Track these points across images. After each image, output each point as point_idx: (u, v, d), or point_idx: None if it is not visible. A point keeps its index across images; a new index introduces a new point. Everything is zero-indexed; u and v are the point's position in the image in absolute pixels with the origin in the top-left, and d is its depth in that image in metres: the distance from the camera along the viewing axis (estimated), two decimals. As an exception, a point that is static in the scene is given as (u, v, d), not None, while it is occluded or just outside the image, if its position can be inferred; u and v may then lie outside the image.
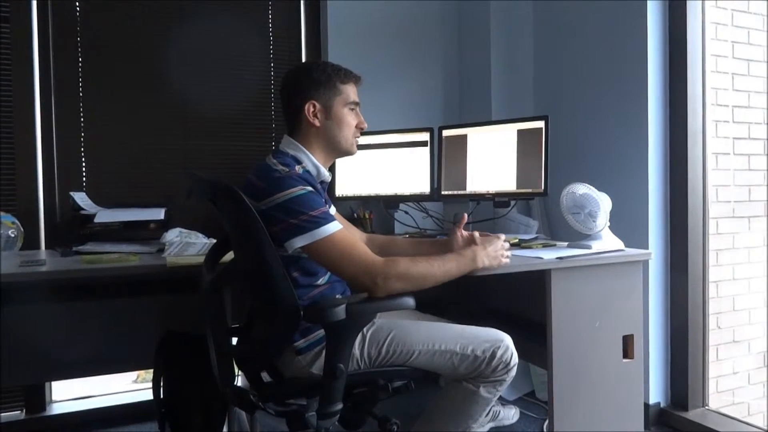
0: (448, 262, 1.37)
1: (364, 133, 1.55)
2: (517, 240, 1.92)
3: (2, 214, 1.87)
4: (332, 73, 1.44)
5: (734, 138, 2.39)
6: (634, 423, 1.76)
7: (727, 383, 2.38)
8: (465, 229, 1.55)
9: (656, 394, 2.15)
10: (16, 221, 1.89)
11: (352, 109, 1.47)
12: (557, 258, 1.59)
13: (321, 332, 1.34)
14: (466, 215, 1.55)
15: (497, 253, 1.46)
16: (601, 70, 2.28)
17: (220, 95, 2.44)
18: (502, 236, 1.52)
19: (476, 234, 1.51)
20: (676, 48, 2.08)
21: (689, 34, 2.05)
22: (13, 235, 1.85)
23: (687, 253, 2.07)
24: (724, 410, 2.15)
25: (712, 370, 2.22)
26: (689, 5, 2.05)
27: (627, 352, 1.71)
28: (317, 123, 1.43)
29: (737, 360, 2.42)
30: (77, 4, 2.24)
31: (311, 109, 1.42)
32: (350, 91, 1.46)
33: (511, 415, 2.16)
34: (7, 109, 2.14)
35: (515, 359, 1.45)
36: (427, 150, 2.25)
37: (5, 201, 2.11)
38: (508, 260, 1.49)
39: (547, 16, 2.56)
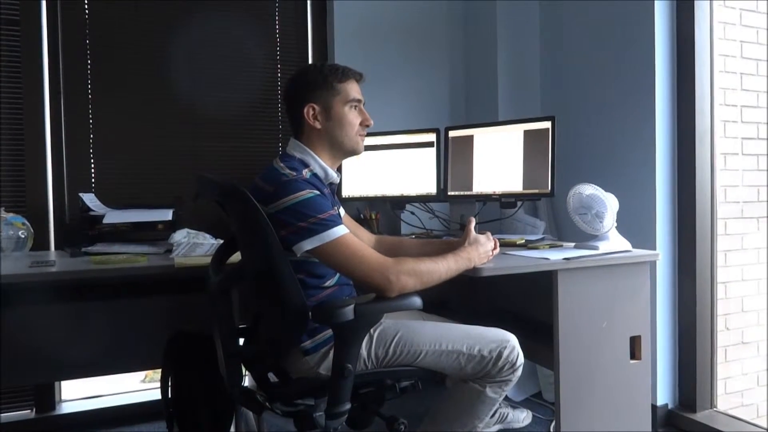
0: (448, 260, 1.38)
1: (370, 134, 1.55)
2: (523, 241, 1.92)
3: (12, 215, 1.88)
4: (329, 74, 1.44)
5: (743, 138, 2.37)
6: (642, 424, 1.75)
7: (736, 385, 2.36)
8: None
9: (664, 396, 2.14)
10: (26, 222, 1.91)
11: (355, 107, 1.47)
12: (564, 259, 1.59)
13: (328, 333, 1.34)
14: (473, 218, 1.55)
15: (487, 253, 1.49)
16: (608, 70, 2.27)
17: (228, 96, 2.45)
18: (490, 235, 1.54)
19: (488, 233, 1.53)
20: (684, 48, 2.07)
21: (697, 33, 2.04)
22: (23, 236, 1.87)
23: (695, 254, 2.06)
24: (732, 412, 2.14)
25: (721, 371, 2.21)
26: (697, 5, 2.03)
27: (634, 353, 1.71)
28: (318, 125, 1.43)
29: (746, 361, 2.41)
30: (86, 6, 2.25)
31: (311, 112, 1.43)
32: (350, 89, 1.45)
33: (521, 418, 2.15)
34: (16, 110, 2.16)
35: (521, 359, 1.46)
36: (433, 151, 2.25)
37: (15, 202, 2.13)
38: (491, 262, 1.51)
39: (554, 17, 2.55)
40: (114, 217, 1.91)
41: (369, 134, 1.55)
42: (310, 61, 2.60)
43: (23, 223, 1.89)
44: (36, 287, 1.71)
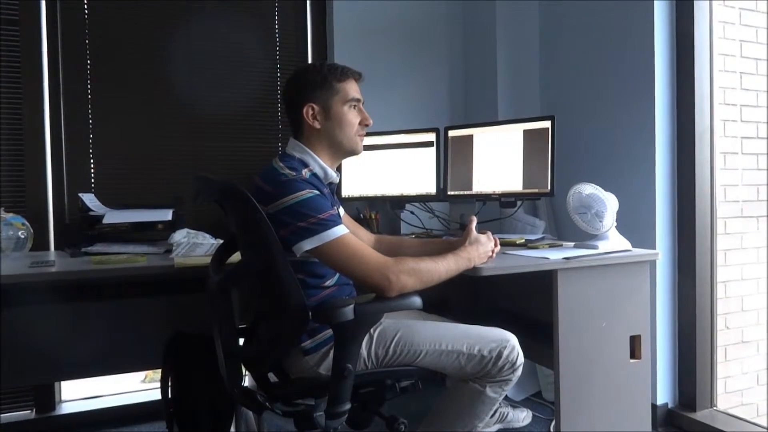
0: (448, 260, 1.38)
1: (370, 134, 1.55)
2: (523, 240, 1.92)
3: (12, 215, 1.88)
4: (328, 73, 1.43)
5: (742, 137, 2.38)
6: (642, 423, 1.76)
7: (736, 384, 2.37)
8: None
9: (664, 395, 2.14)
10: (26, 222, 1.91)
11: (354, 107, 1.47)
12: (564, 258, 1.59)
13: (328, 333, 1.34)
14: (474, 217, 1.55)
15: (487, 253, 1.48)
16: (608, 70, 2.27)
17: (228, 97, 2.45)
18: (490, 234, 1.53)
19: (489, 233, 1.53)
20: (684, 47, 2.07)
21: (696, 33, 2.04)
22: (23, 237, 1.87)
23: (694, 253, 2.06)
24: (732, 411, 2.14)
25: (721, 370, 2.21)
26: (697, 4, 2.03)
27: (634, 352, 1.71)
28: (317, 125, 1.43)
29: (746, 361, 2.41)
30: (85, 6, 2.25)
31: (310, 112, 1.43)
32: (349, 89, 1.45)
33: (521, 417, 2.15)
34: (16, 111, 2.16)
35: (521, 359, 1.46)
36: (433, 150, 2.26)
37: (15, 203, 2.13)
38: (491, 261, 1.50)
39: (553, 16, 2.55)
40: (114, 217, 1.90)
41: (369, 134, 1.54)
42: (309, 61, 2.60)
43: (23, 224, 1.89)
44: (36, 287, 1.71)
